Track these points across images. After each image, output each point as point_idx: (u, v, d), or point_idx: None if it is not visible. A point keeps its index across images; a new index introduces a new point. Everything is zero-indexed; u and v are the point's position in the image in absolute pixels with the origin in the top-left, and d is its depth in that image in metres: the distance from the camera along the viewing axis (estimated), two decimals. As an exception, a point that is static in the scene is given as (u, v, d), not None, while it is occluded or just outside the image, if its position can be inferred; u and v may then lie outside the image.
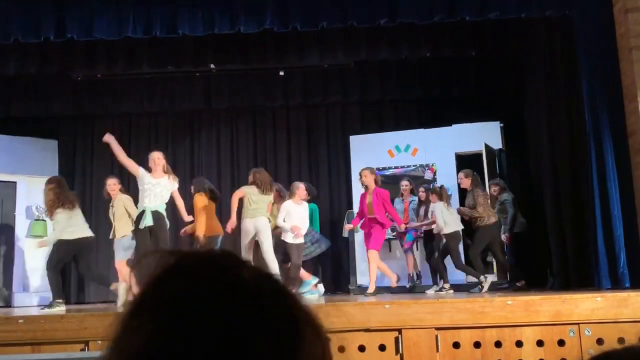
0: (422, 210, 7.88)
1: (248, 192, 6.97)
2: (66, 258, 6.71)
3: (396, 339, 4.60)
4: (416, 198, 8.04)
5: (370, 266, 7.09)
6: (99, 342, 4.88)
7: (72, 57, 7.71)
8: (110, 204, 7.08)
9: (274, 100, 9.27)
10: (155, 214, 6.32)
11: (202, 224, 7.22)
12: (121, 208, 6.95)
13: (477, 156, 8.16)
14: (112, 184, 7.08)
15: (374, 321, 4.68)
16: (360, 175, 7.26)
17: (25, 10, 6.43)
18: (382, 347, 4.60)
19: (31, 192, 8.68)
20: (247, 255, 6.68)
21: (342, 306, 4.90)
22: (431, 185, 8.03)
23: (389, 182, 8.58)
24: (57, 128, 9.60)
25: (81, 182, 9.54)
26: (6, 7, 6.42)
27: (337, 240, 8.55)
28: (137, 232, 6.41)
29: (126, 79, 8.77)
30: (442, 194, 7.38)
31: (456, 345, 4.61)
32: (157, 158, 6.54)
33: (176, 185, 6.61)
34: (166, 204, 6.57)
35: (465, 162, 8.31)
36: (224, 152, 9.78)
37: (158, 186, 6.40)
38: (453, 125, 8.51)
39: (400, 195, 8.18)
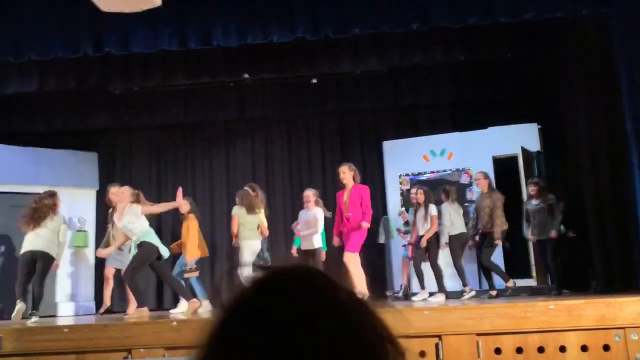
0: (420, 214, 7.43)
1: (238, 214, 7.25)
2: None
3: (436, 345, 4.55)
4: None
5: (353, 271, 6.64)
6: (141, 350, 4.96)
7: (109, 72, 7.88)
8: (115, 212, 7.07)
9: (307, 108, 9.31)
10: (138, 246, 6.53)
11: (194, 247, 7.34)
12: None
13: (514, 159, 8.05)
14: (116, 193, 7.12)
15: (413, 327, 4.64)
16: (339, 172, 6.93)
17: (64, 27, 6.61)
18: (422, 354, 4.56)
19: (73, 203, 8.87)
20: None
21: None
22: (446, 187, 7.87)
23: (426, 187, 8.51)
24: (97, 141, 9.83)
25: (120, 193, 9.71)
26: (45, 25, 6.61)
27: (373, 246, 8.49)
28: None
29: (162, 91, 8.91)
30: (449, 193, 7.51)
31: (498, 351, 4.54)
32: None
33: (138, 207, 6.58)
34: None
35: (503, 165, 8.21)
36: (259, 161, 9.85)
37: (122, 225, 6.60)
38: (489, 128, 8.40)
39: (412, 205, 7.83)
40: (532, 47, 7.57)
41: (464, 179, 8.46)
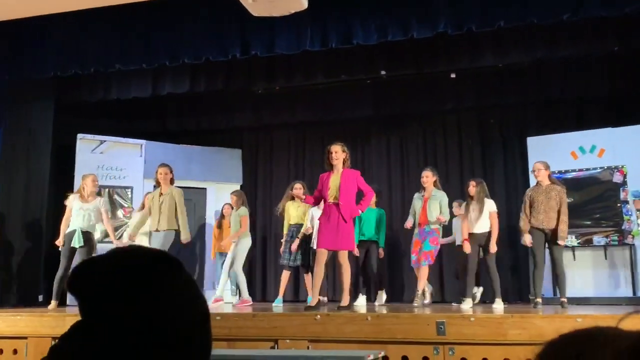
0: (474, 208, 6.61)
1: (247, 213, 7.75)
2: None
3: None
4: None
5: (343, 273, 6.04)
6: (287, 341, 5.16)
7: (254, 72, 8.24)
8: (159, 193, 7.06)
9: (445, 103, 9.12)
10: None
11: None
12: (171, 199, 6.96)
13: (675, 157, 7.38)
14: (164, 172, 7.09)
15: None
16: (330, 151, 6.23)
17: (215, 32, 7.02)
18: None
19: (219, 197, 9.43)
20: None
21: (529, 318, 4.69)
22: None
23: (572, 186, 8.04)
24: (241, 138, 10.33)
25: (262, 187, 10.16)
26: (198, 30, 7.06)
27: (516, 247, 8.16)
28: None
29: (302, 90, 9.17)
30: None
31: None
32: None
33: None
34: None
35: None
36: (394, 158, 9.81)
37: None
38: (646, 123, 7.75)
39: (423, 189, 7.08)
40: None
41: (617, 178, 7.87)
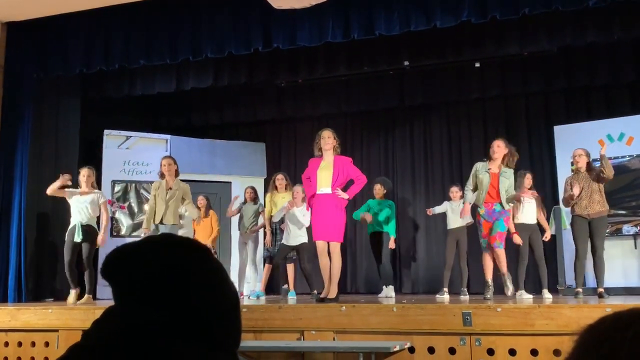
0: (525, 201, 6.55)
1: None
2: None
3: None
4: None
5: (333, 264, 5.96)
6: (313, 332, 5.18)
7: (276, 65, 8.24)
8: (167, 186, 6.86)
9: (470, 92, 9.03)
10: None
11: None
12: (179, 196, 6.88)
13: None
14: (168, 164, 6.89)
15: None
16: (322, 137, 6.16)
17: (237, 26, 7.05)
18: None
19: (244, 190, 9.45)
20: None
21: (557, 308, 4.64)
22: None
23: (600, 174, 7.92)
24: (264, 131, 10.36)
25: (286, 180, 10.17)
26: (221, 24, 7.09)
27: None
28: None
29: (324, 82, 9.16)
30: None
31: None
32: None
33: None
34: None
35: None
36: (418, 148, 9.76)
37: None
38: (676, 110, 7.59)
39: (487, 160, 6.30)
40: None
41: (647, 166, 7.72)
